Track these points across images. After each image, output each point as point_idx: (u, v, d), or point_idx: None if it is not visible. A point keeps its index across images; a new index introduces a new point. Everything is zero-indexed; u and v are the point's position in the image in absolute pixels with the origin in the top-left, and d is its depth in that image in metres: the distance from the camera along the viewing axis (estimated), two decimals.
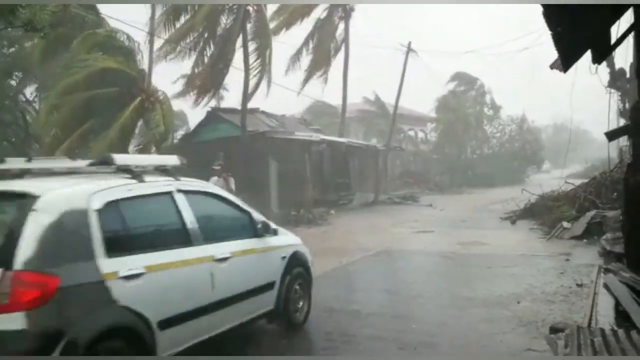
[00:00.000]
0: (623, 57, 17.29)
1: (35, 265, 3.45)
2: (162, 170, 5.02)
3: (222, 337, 4.83)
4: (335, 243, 13.24)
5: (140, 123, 17.64)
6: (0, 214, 3.90)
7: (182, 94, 22.13)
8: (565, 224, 13.32)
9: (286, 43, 26.00)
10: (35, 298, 3.38)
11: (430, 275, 9.35)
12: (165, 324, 4.15)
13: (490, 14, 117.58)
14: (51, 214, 3.68)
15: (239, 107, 21.06)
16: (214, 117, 22.98)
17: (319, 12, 26.76)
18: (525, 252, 10.88)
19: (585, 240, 11.85)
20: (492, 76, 49.68)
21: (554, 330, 5.12)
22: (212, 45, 20.69)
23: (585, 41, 5.99)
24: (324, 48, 26.72)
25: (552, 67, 7.64)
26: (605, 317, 5.59)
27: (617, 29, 6.44)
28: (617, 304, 5.85)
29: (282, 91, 25.82)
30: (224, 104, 23.60)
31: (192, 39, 20.50)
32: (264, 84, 21.88)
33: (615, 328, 5.01)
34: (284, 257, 5.87)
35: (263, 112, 25.18)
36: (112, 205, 4.09)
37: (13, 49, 19.63)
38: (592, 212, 13.09)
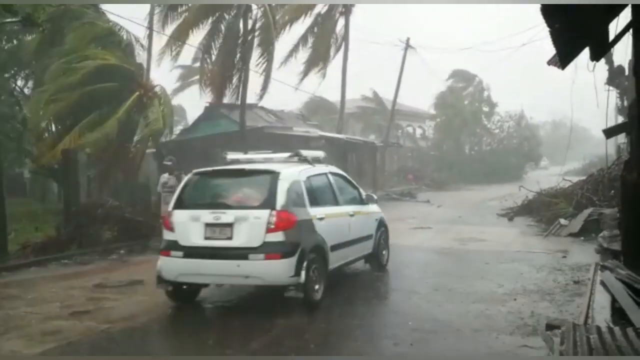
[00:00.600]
0: (622, 54, 17.31)
1: (285, 208, 6.47)
2: (317, 160, 8.14)
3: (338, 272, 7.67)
4: None
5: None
6: (262, 181, 6.84)
7: (181, 88, 22.04)
8: (562, 221, 13.35)
9: (285, 38, 25.91)
10: (286, 225, 6.40)
11: (427, 271, 9.36)
12: (332, 248, 7.16)
13: (488, 11, 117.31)
14: (288, 182, 6.75)
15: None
16: (213, 112, 22.96)
17: (320, 7, 26.73)
18: (522, 248, 10.92)
19: (582, 238, 11.90)
20: (490, 72, 49.72)
21: (550, 327, 5.13)
22: (217, 42, 20.63)
23: (583, 38, 5.99)
24: (323, 43, 26.66)
25: (549, 63, 7.61)
26: (602, 314, 5.60)
27: (615, 27, 6.44)
28: (614, 301, 5.86)
29: (281, 87, 25.77)
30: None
31: (195, 35, 20.48)
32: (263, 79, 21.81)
33: (612, 325, 5.01)
34: (376, 219, 9.05)
35: (262, 108, 25.16)
36: (309, 179, 7.30)
37: (11, 43, 19.55)
38: (590, 210, 13.12)
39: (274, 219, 6.36)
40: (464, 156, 43.62)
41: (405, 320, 6.11)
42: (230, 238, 6.47)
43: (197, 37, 20.79)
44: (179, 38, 20.36)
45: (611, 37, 6.49)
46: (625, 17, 6.37)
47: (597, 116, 19.03)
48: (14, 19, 10.77)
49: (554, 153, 62.08)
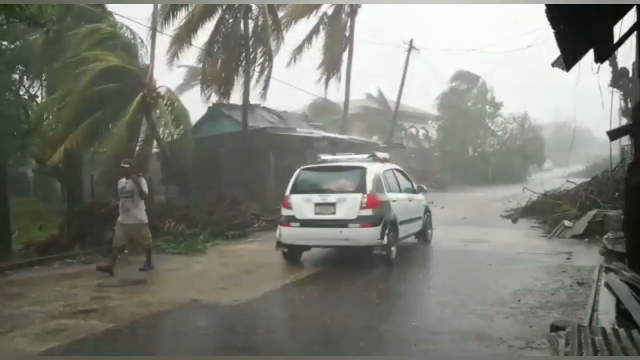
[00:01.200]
0: (625, 56, 17.27)
1: (372, 192, 9.25)
2: (385, 160, 11.07)
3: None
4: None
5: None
6: (355, 174, 9.63)
7: (184, 87, 22.04)
8: (566, 222, 13.31)
9: (290, 39, 25.93)
10: (374, 204, 9.16)
11: (431, 272, 9.36)
12: (400, 223, 9.91)
13: (493, 12, 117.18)
14: (372, 174, 9.58)
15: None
16: (216, 112, 22.97)
17: (325, 7, 26.74)
18: (526, 250, 10.87)
19: (586, 239, 11.86)
20: (494, 74, 49.59)
21: (555, 328, 5.11)
22: (218, 42, 20.65)
23: (587, 40, 5.97)
24: (336, 47, 26.63)
25: (554, 65, 7.60)
26: (606, 316, 5.59)
27: (619, 29, 6.43)
28: (618, 303, 5.85)
29: (284, 88, 25.76)
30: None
31: (197, 35, 20.50)
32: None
33: (616, 327, 5.00)
34: (424, 205, 12.19)
35: (264, 108, 25.15)
36: (384, 172, 10.22)
37: (17, 43, 19.60)
38: (594, 211, 13.09)
39: (365, 200, 9.22)
40: (468, 157, 43.55)
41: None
42: (334, 213, 9.34)
43: (199, 37, 20.83)
44: (181, 39, 20.37)
45: (615, 39, 6.47)
46: (629, 18, 6.36)
47: (600, 118, 19.02)
48: (17, 20, 10.78)
49: (557, 155, 62.04)
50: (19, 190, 19.36)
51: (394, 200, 9.92)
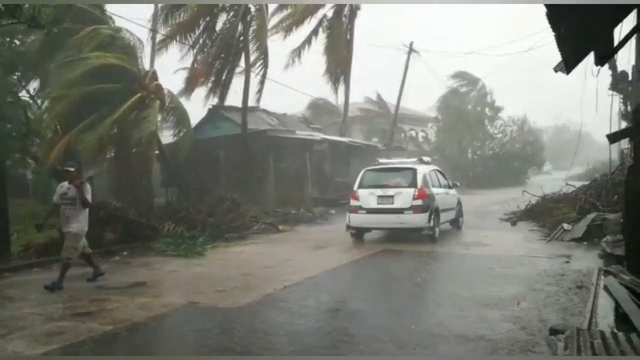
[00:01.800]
0: (625, 60, 17.29)
1: (422, 187, 12.43)
2: (429, 163, 14.59)
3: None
4: (336, 242, 13.24)
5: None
6: (408, 173, 12.86)
7: (184, 91, 22.08)
8: (565, 225, 13.31)
9: (289, 41, 25.98)
10: (423, 196, 12.32)
11: (430, 275, 9.35)
12: (441, 211, 13.10)
13: (493, 15, 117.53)
14: (421, 174, 12.81)
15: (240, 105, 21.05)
16: (216, 114, 23.01)
17: (325, 9, 26.75)
18: (526, 253, 10.88)
19: (585, 243, 11.85)
20: (494, 77, 49.66)
21: (554, 331, 5.11)
22: (211, 42, 20.71)
23: (588, 43, 5.98)
24: (341, 50, 26.65)
25: (556, 69, 7.61)
26: (605, 319, 5.58)
27: (619, 32, 6.43)
28: (617, 307, 5.84)
29: (283, 90, 25.81)
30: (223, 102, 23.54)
31: (190, 34, 20.56)
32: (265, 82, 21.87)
33: (615, 330, 5.00)
34: (457, 198, 15.15)
35: (264, 111, 25.19)
36: (429, 172, 13.49)
37: (16, 43, 19.61)
38: (593, 215, 13.08)
39: (416, 193, 12.30)
40: (467, 160, 43.54)
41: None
42: (392, 203, 12.45)
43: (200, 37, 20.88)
44: (176, 38, 20.44)
45: (616, 42, 6.48)
46: (629, 22, 6.37)
47: (599, 121, 19.04)
48: (15, 21, 10.75)
49: (556, 158, 62.04)
50: (19, 192, 19.32)
51: (436, 194, 12.98)
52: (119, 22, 18.56)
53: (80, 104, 15.52)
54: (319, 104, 38.09)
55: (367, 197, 12.67)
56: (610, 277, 7.01)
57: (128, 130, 16.21)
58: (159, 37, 21.31)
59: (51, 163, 15.73)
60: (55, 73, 16.11)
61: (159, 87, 17.53)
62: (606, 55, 7.06)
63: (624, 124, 17.12)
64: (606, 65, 14.56)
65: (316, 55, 27.36)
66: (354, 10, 27.13)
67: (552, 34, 5.11)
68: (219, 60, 20.63)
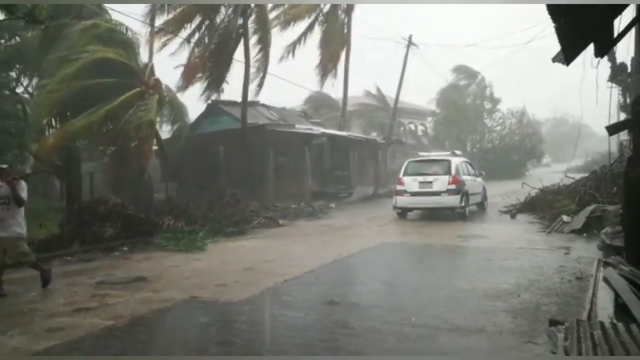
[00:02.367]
0: (624, 51, 17.26)
1: (455, 175, 15.47)
2: (460, 155, 18.22)
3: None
4: (335, 236, 13.25)
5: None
6: (443, 164, 15.97)
7: (182, 87, 22.02)
8: (565, 217, 13.33)
9: (288, 36, 25.90)
10: (456, 182, 15.36)
11: (430, 268, 9.36)
12: (470, 195, 16.06)
13: (493, 7, 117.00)
14: (455, 164, 15.94)
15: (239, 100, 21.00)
16: (215, 109, 22.96)
17: (322, 5, 26.67)
18: (525, 245, 10.89)
19: (585, 234, 11.88)
20: (492, 70, 49.51)
21: (554, 323, 5.12)
22: (209, 36, 20.63)
23: (588, 34, 5.96)
24: (334, 43, 26.59)
25: (554, 60, 7.60)
26: (605, 310, 5.59)
27: (619, 23, 6.41)
28: (617, 298, 5.86)
29: (283, 85, 25.74)
30: (223, 96, 23.47)
31: (188, 28, 20.54)
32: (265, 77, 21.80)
33: (615, 321, 5.01)
34: (482, 184, 17.85)
35: (263, 105, 25.14)
36: (461, 163, 16.63)
37: (13, 40, 19.55)
38: (592, 206, 13.10)
39: (450, 179, 15.15)
40: (466, 153, 43.52)
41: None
42: (431, 187, 15.29)
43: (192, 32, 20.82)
44: (172, 32, 20.38)
45: (615, 33, 6.46)
46: (629, 13, 6.36)
47: (599, 113, 19.03)
48: (13, 17, 10.72)
49: (555, 150, 62.05)
50: None
51: (466, 180, 15.81)
52: (116, 17, 18.49)
53: (78, 99, 15.48)
54: (318, 98, 37.96)
55: (411, 182, 15.62)
56: (609, 268, 7.03)
57: (127, 125, 16.15)
58: (161, 34, 21.19)
59: (48, 157, 15.69)
60: (52, 65, 16.04)
61: (157, 82, 17.51)
62: (606, 46, 7.04)
63: (623, 116, 17.11)
64: (605, 57, 14.53)
65: (314, 49, 27.31)
66: (350, 4, 27.07)
67: (552, 25, 5.09)
68: (217, 56, 20.53)
